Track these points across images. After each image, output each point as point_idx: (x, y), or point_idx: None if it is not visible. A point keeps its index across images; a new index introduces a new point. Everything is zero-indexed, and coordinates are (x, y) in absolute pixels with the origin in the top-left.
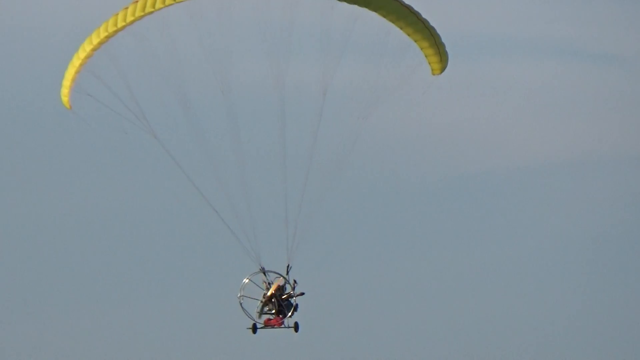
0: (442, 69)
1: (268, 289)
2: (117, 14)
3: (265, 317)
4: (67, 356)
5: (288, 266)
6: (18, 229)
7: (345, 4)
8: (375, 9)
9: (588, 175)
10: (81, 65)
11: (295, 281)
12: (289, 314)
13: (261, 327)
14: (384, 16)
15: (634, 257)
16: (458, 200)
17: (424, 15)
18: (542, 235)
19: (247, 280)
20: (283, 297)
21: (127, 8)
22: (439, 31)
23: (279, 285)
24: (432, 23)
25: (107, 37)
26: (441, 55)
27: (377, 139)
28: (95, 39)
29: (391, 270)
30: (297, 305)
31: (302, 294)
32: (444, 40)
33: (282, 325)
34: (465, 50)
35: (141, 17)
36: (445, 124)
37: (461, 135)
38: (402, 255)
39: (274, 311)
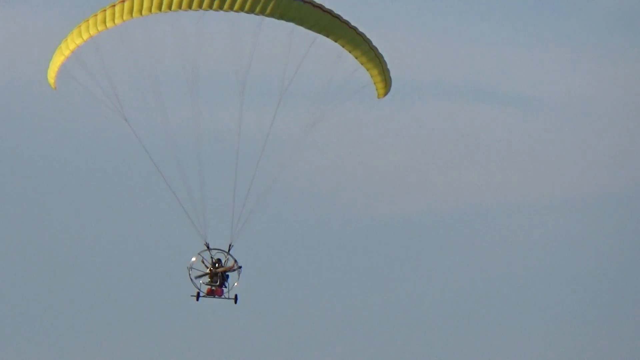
0: (386, 93)
1: (213, 263)
2: (105, 11)
3: (207, 287)
4: None
5: (230, 245)
6: None
7: (303, 29)
8: (330, 35)
9: (510, 218)
10: (70, 52)
11: (239, 267)
12: (231, 281)
13: (204, 296)
14: (338, 41)
15: (553, 302)
16: (381, 243)
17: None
18: (467, 280)
19: (194, 258)
20: (224, 271)
21: (114, 6)
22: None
23: (226, 267)
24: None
25: (97, 32)
26: (386, 80)
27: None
28: (84, 33)
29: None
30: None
31: (240, 267)
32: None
33: (223, 296)
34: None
35: (129, 19)
36: (371, 167)
37: (383, 179)
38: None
39: (217, 283)
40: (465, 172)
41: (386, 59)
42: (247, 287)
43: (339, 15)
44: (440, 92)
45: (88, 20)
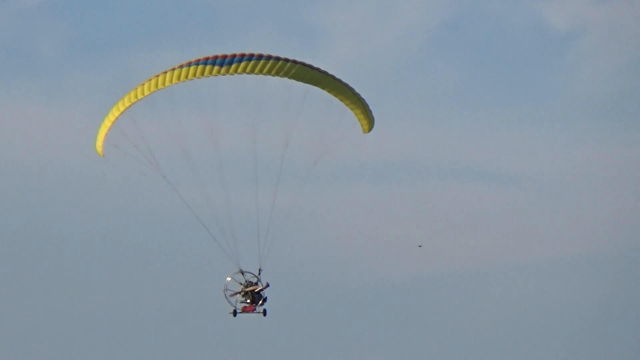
0: (370, 129)
1: (246, 285)
2: (137, 88)
3: (242, 305)
4: None
5: (259, 269)
6: None
7: (302, 83)
8: (323, 87)
9: (496, 282)
10: (112, 123)
11: (267, 283)
12: (260, 302)
13: (240, 312)
14: (329, 91)
15: None
16: (383, 304)
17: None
18: (464, 337)
19: (230, 278)
20: (256, 291)
21: (143, 84)
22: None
23: (255, 288)
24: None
25: (131, 104)
26: (369, 118)
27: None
28: (121, 106)
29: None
30: (266, 297)
31: (268, 285)
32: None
33: (255, 311)
34: (391, 173)
35: (155, 91)
36: (378, 235)
37: (387, 245)
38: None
39: (249, 301)
40: (459, 240)
41: (389, 143)
42: (274, 302)
43: (326, 71)
44: (436, 172)
45: (124, 97)
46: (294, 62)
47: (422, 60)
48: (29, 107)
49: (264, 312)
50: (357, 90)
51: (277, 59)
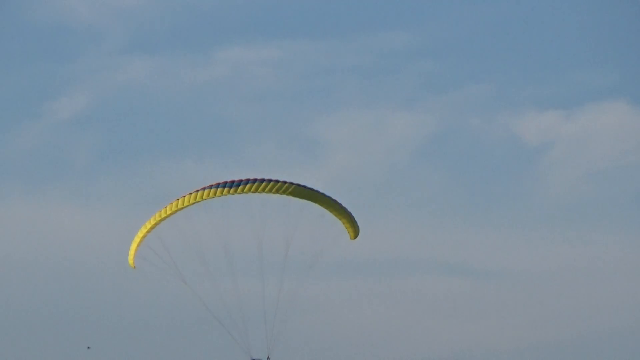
0: (356, 236)
1: None
2: (165, 207)
3: None
4: None
5: (268, 357)
6: None
7: (297, 199)
8: (315, 202)
9: None
10: (141, 239)
11: None
12: None
13: None
14: (320, 204)
15: None
16: None
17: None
18: None
19: None
20: None
21: (167, 205)
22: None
23: None
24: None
25: (157, 223)
26: (355, 227)
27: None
28: (148, 224)
29: None
30: None
31: None
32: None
33: None
34: (383, 268)
35: (177, 211)
36: (367, 324)
37: (376, 332)
38: None
39: None
40: (439, 326)
41: (380, 242)
42: None
43: (318, 190)
44: (423, 267)
45: (150, 219)
46: (291, 183)
47: (410, 169)
48: (63, 209)
49: None
50: (349, 198)
51: (277, 181)
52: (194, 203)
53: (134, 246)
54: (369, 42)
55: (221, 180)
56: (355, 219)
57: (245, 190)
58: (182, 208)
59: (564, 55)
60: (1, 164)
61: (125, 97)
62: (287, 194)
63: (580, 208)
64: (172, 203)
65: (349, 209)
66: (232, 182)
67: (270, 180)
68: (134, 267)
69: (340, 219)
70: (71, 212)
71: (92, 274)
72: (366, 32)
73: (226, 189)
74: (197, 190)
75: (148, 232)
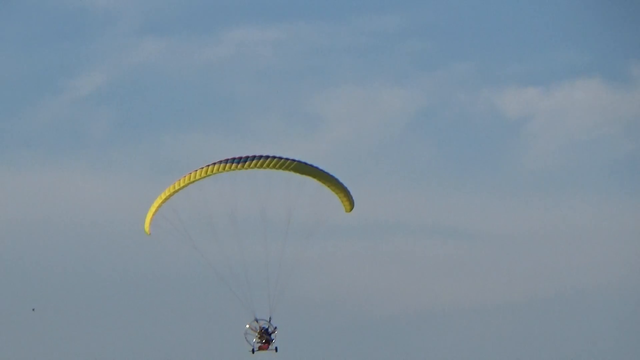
0: (351, 209)
1: (261, 329)
2: (185, 176)
3: (258, 344)
4: None
5: (270, 317)
6: None
7: (298, 174)
8: (314, 177)
9: (462, 318)
10: (157, 208)
11: (275, 327)
12: (274, 339)
13: (257, 351)
14: (318, 180)
15: None
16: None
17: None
18: None
19: (248, 325)
20: (269, 333)
21: (184, 177)
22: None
23: (267, 330)
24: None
25: (171, 194)
26: (350, 200)
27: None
28: (163, 195)
29: None
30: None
31: (276, 328)
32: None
33: (269, 349)
34: (377, 231)
35: (189, 184)
36: (363, 280)
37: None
38: None
39: (264, 341)
40: (429, 283)
41: (376, 207)
42: (282, 341)
43: (317, 166)
44: (414, 229)
45: (165, 191)
46: (292, 160)
47: (402, 140)
48: (81, 177)
49: (276, 349)
50: (346, 168)
51: (280, 158)
52: (205, 177)
53: (149, 215)
54: (362, 24)
55: (229, 155)
56: (351, 193)
57: (252, 166)
58: (194, 181)
59: (542, 35)
60: (25, 135)
61: (138, 74)
62: (289, 170)
63: (557, 175)
64: (185, 176)
65: (346, 180)
66: (240, 158)
67: (274, 157)
68: (149, 233)
69: (336, 194)
70: (89, 180)
71: (107, 237)
72: (360, 15)
73: (234, 165)
74: (208, 165)
75: (163, 202)
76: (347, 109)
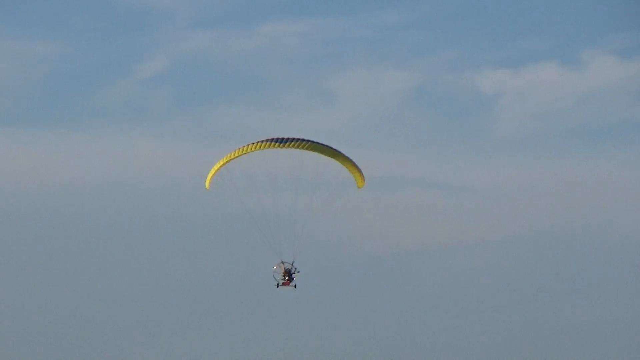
0: (363, 185)
1: (285, 270)
2: (239, 148)
3: (282, 281)
4: None
5: (293, 260)
6: None
7: (310, 152)
8: (331, 156)
9: (454, 253)
10: (216, 171)
11: (296, 268)
12: (295, 278)
13: (281, 285)
14: (336, 159)
15: None
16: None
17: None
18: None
19: (276, 266)
20: (291, 273)
21: (243, 147)
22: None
23: (289, 271)
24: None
25: (228, 161)
26: (362, 176)
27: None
28: (222, 161)
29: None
30: (297, 272)
31: (299, 272)
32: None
33: (290, 285)
34: (381, 185)
35: (242, 154)
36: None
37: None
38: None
39: (287, 278)
40: (424, 225)
41: (374, 167)
42: (302, 280)
43: (332, 146)
44: (411, 183)
45: (223, 158)
46: (319, 143)
47: (400, 113)
48: (146, 145)
49: (295, 286)
50: (356, 134)
51: (311, 141)
52: (254, 150)
53: (210, 175)
54: (369, 19)
55: (266, 126)
56: (363, 174)
57: (290, 145)
58: (246, 152)
59: (512, 28)
60: (102, 109)
61: (192, 60)
62: (317, 152)
63: (525, 140)
64: (239, 148)
65: (353, 144)
66: (281, 139)
67: (307, 140)
68: (208, 188)
69: (352, 173)
70: (152, 147)
71: (167, 192)
72: (367, 11)
73: (275, 143)
74: (257, 142)
75: (221, 167)
76: (356, 87)
